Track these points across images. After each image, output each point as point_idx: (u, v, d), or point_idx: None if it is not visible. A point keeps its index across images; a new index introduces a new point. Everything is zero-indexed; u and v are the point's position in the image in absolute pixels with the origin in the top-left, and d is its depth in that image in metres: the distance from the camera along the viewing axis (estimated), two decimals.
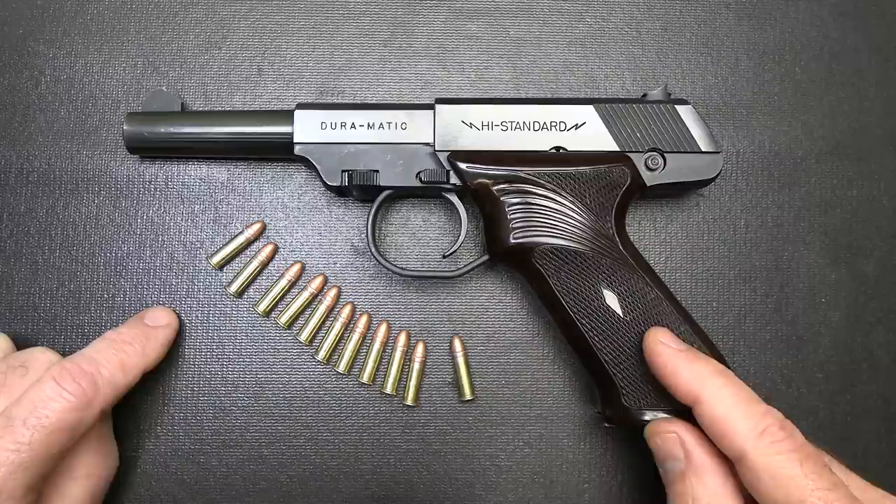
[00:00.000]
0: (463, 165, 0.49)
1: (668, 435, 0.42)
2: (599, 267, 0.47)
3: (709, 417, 0.40)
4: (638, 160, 0.49)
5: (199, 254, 0.54)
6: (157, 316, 0.51)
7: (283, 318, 0.53)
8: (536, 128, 0.49)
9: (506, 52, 0.55)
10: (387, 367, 0.53)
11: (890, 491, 0.42)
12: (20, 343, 0.52)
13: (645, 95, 0.50)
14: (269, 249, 0.53)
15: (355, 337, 0.53)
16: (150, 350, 0.49)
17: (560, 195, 0.48)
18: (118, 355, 0.47)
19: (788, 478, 0.37)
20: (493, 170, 0.48)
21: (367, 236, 0.51)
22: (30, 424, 0.41)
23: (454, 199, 0.51)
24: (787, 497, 0.36)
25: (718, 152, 0.49)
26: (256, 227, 0.54)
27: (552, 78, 0.55)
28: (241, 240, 0.53)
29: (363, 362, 0.53)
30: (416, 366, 0.52)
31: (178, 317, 0.53)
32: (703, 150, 0.49)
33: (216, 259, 0.53)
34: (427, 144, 0.50)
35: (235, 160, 0.55)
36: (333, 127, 0.50)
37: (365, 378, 0.52)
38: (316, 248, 0.54)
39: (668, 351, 0.43)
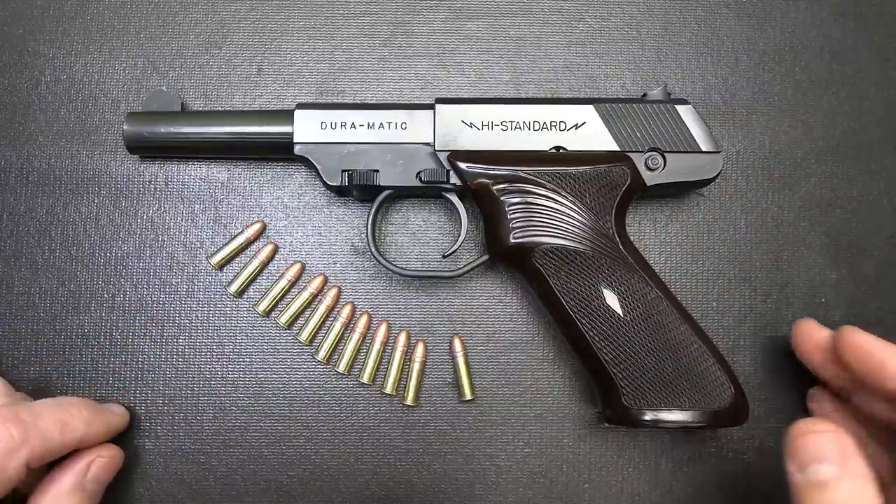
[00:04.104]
0: (463, 165, 0.49)
1: (825, 434, 0.38)
2: (599, 267, 0.47)
3: None
4: (638, 160, 0.49)
5: (199, 254, 0.54)
6: (113, 405, 0.52)
7: (283, 318, 0.53)
8: (536, 128, 0.49)
9: (506, 52, 0.55)
10: (387, 367, 0.53)
11: None
12: (20, 343, 0.53)
13: (645, 95, 0.50)
14: (269, 249, 0.53)
15: (355, 337, 0.53)
16: (96, 423, 0.47)
17: (560, 195, 0.48)
18: (60, 414, 0.45)
19: None
20: (493, 169, 0.48)
21: (367, 236, 0.51)
22: None
23: (454, 198, 0.51)
24: None
25: (718, 152, 0.49)
26: (256, 227, 0.54)
27: (552, 78, 0.55)
28: (241, 240, 0.53)
29: (363, 362, 0.53)
30: (416, 366, 0.52)
31: (129, 415, 0.52)
32: (703, 149, 0.49)
33: (216, 259, 0.53)
34: (427, 144, 0.50)
35: (235, 160, 0.55)
36: (333, 127, 0.50)
37: (365, 378, 0.52)
38: (316, 248, 0.54)
39: (870, 340, 0.42)
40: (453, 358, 0.53)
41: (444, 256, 0.52)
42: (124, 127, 0.51)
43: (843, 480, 0.37)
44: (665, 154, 0.49)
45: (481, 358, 0.53)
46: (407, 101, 0.55)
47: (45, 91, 0.55)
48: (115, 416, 0.50)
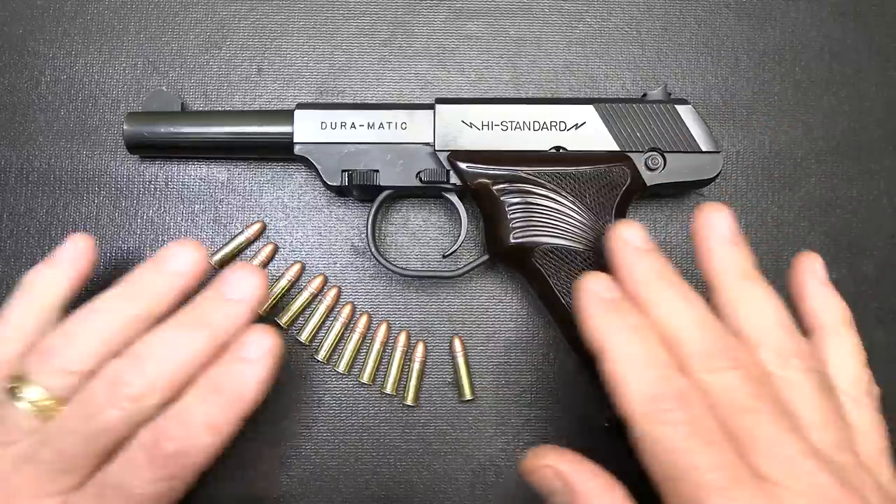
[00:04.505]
0: (463, 165, 0.49)
1: (542, 471, 0.37)
2: (600, 267, 0.46)
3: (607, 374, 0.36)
4: (638, 160, 0.49)
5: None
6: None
7: (284, 319, 0.53)
8: (536, 128, 0.49)
9: (506, 52, 0.55)
10: (387, 367, 0.53)
11: None
12: None
13: (645, 95, 0.50)
14: (269, 249, 0.53)
15: (355, 337, 0.53)
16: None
17: (560, 195, 0.48)
18: None
19: (673, 451, 0.33)
20: (493, 169, 0.48)
21: (367, 236, 0.51)
22: None
23: (454, 198, 0.51)
24: (672, 472, 0.33)
25: (718, 152, 0.49)
26: (256, 227, 0.54)
27: (552, 78, 0.55)
28: (241, 240, 0.53)
29: (363, 362, 0.53)
30: (416, 366, 0.52)
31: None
32: (703, 149, 0.49)
33: (216, 259, 0.53)
34: (427, 144, 0.50)
35: (235, 160, 0.55)
36: (333, 127, 0.50)
37: (365, 378, 0.52)
38: (316, 248, 0.54)
39: (589, 297, 0.38)
40: (453, 358, 0.53)
41: (444, 256, 0.52)
42: (124, 127, 0.51)
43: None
44: (665, 154, 0.49)
45: (481, 358, 0.53)
46: (407, 101, 0.55)
47: (45, 91, 0.55)
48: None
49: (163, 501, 0.37)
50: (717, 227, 0.40)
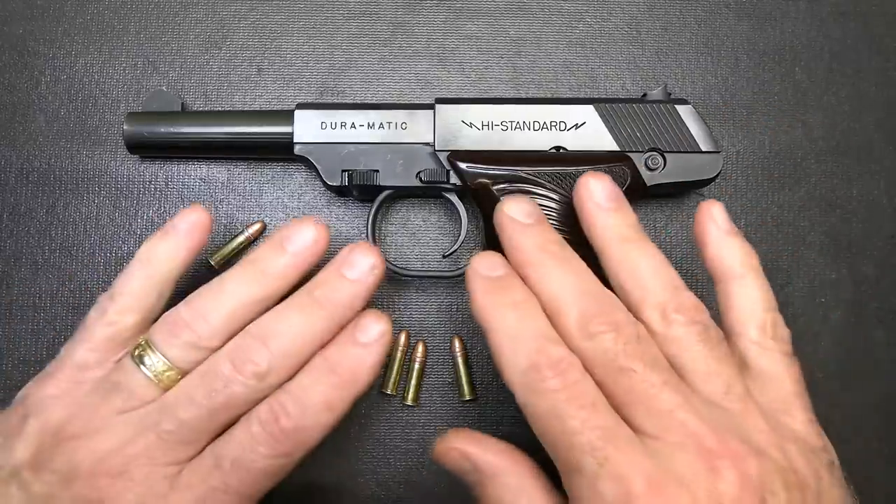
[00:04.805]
0: (463, 165, 0.49)
1: (450, 454, 0.38)
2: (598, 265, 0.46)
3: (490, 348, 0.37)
4: (638, 160, 0.49)
5: (200, 253, 0.53)
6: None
7: None
8: (536, 128, 0.49)
9: (506, 52, 0.55)
10: (387, 368, 0.53)
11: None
12: (20, 343, 0.53)
13: (645, 95, 0.50)
14: None
15: None
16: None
17: (560, 195, 0.48)
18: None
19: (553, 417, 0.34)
20: (493, 169, 0.48)
21: (367, 236, 0.51)
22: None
23: (454, 198, 0.51)
24: (552, 439, 0.34)
25: (718, 152, 0.49)
26: (256, 227, 0.54)
27: (552, 78, 0.55)
28: (241, 240, 0.53)
29: None
30: (416, 366, 0.52)
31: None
32: (703, 149, 0.49)
33: (216, 259, 0.53)
34: (427, 144, 0.50)
35: (235, 160, 0.54)
36: (333, 127, 0.50)
37: None
38: None
39: (474, 278, 0.39)
40: (453, 358, 0.53)
41: (444, 256, 0.52)
42: (124, 127, 0.51)
43: (483, 481, 0.38)
44: (665, 154, 0.49)
45: (481, 358, 0.53)
46: (407, 101, 0.55)
47: (45, 91, 0.55)
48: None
49: (274, 477, 0.39)
50: (594, 193, 0.41)
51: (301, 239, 0.41)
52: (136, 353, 0.39)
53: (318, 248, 0.42)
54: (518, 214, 0.41)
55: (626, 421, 0.34)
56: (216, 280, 0.41)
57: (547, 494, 0.37)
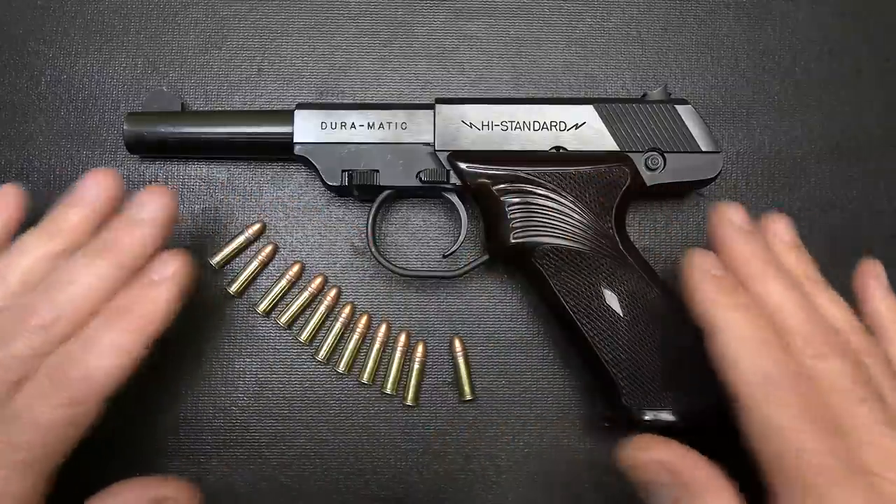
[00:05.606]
0: (463, 165, 0.49)
1: (647, 467, 0.37)
2: (600, 267, 0.47)
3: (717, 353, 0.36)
4: (638, 160, 0.49)
5: (200, 253, 0.54)
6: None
7: (283, 318, 0.53)
8: (536, 128, 0.49)
9: (506, 52, 0.55)
10: (387, 367, 0.53)
11: None
12: None
13: (645, 95, 0.50)
14: (269, 249, 0.53)
15: (355, 337, 0.53)
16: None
17: (560, 195, 0.48)
18: None
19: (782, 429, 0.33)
20: (493, 170, 0.48)
21: (367, 236, 0.51)
22: None
23: (454, 199, 0.51)
24: (781, 452, 0.33)
25: (718, 152, 0.49)
26: (256, 227, 0.54)
27: (552, 78, 0.55)
28: (241, 240, 0.53)
29: (363, 362, 0.53)
30: (416, 366, 0.52)
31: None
32: (703, 149, 0.49)
33: (216, 259, 0.53)
34: (427, 144, 0.50)
35: (235, 160, 0.55)
36: (333, 127, 0.50)
37: (365, 378, 0.52)
38: (316, 248, 0.54)
39: (701, 273, 0.39)
40: (453, 358, 0.53)
41: (444, 256, 0.52)
42: (124, 127, 0.51)
43: (686, 499, 0.35)
44: (665, 154, 0.49)
45: (481, 358, 0.53)
46: (407, 101, 0.55)
47: (45, 91, 0.55)
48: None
49: (70, 430, 0.37)
50: (777, 231, 0.43)
51: (91, 188, 0.42)
52: None
53: (108, 193, 0.41)
54: (738, 219, 0.41)
55: (849, 449, 0.34)
56: (16, 241, 0.41)
57: None
